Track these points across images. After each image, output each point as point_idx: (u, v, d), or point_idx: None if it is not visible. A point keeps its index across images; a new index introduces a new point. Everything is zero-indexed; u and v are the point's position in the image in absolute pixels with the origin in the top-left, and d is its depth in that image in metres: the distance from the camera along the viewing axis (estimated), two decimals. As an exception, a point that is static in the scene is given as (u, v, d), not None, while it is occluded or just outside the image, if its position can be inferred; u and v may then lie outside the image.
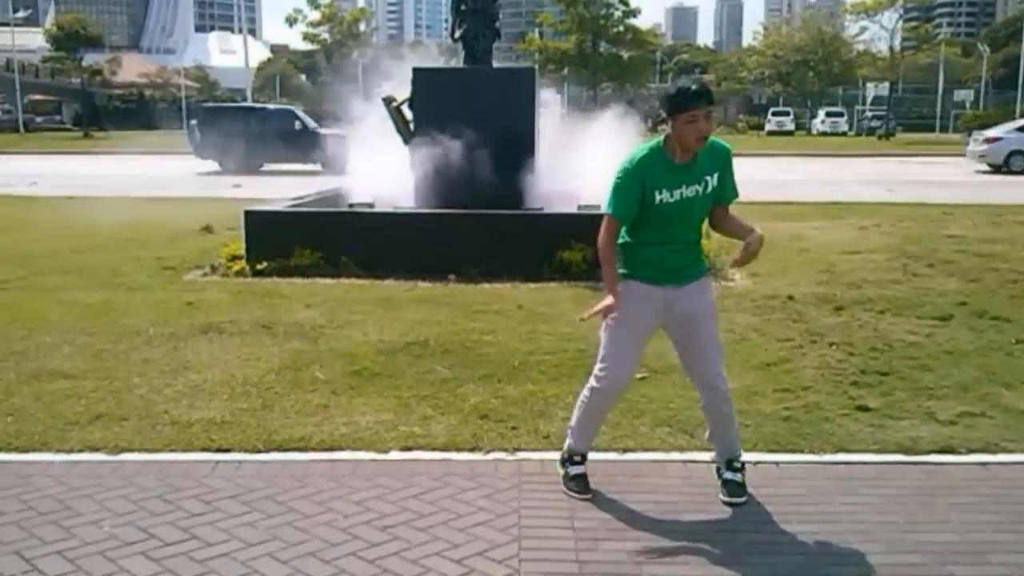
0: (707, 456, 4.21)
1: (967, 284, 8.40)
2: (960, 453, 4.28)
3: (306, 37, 63.83)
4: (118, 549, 3.33)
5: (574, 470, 3.88)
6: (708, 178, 3.65)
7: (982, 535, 3.48)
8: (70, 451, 4.28)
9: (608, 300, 3.62)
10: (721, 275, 8.73)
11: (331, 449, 4.32)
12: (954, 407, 4.88)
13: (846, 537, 3.45)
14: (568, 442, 3.94)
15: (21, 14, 75.08)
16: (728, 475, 3.84)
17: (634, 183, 3.60)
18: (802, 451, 4.30)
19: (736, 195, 3.78)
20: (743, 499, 3.77)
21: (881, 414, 4.79)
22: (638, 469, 4.09)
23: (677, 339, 3.82)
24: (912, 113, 67.18)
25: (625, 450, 4.30)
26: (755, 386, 5.24)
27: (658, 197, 3.61)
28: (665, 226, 3.68)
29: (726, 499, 3.77)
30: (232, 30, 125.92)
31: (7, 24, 63.44)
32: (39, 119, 63.99)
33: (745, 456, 4.20)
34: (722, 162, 3.69)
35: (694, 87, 3.56)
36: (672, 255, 3.70)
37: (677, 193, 3.61)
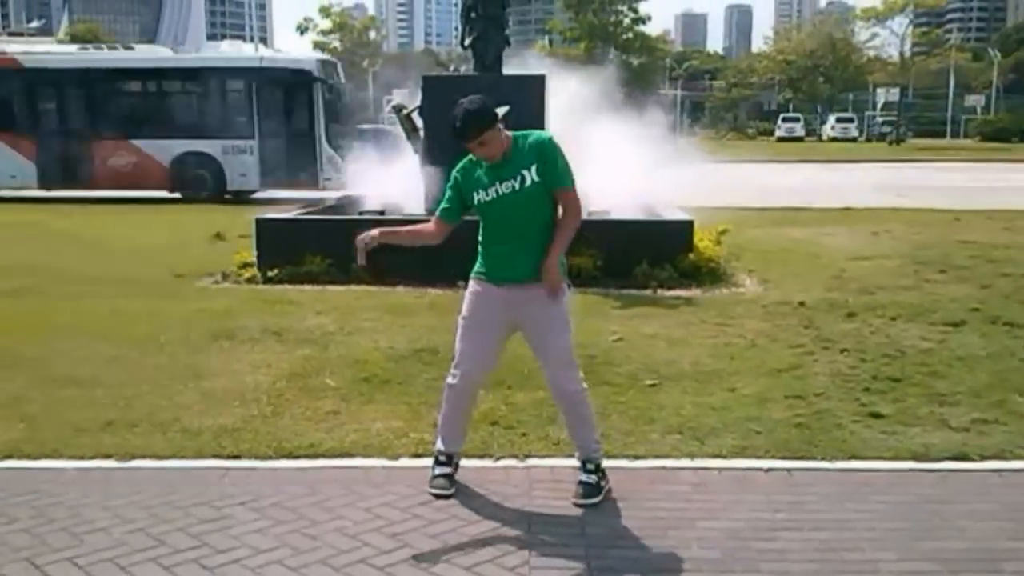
0: (719, 463, 4.21)
1: (979, 290, 8.35)
2: (973, 460, 4.25)
3: (317, 45, 64.13)
4: (129, 556, 3.33)
5: (437, 470, 3.94)
6: (524, 172, 3.69)
7: (996, 543, 3.45)
8: (81, 458, 4.29)
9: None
10: (732, 281, 8.72)
11: (341, 456, 4.32)
12: (967, 414, 4.85)
13: (859, 545, 3.42)
14: (436, 442, 4.03)
15: (35, 23, 75.67)
16: (581, 476, 3.85)
17: (454, 196, 3.85)
18: (814, 458, 4.28)
19: (558, 183, 3.72)
20: (595, 500, 3.76)
21: (893, 421, 4.76)
22: (649, 476, 4.07)
23: (527, 339, 3.88)
24: (923, 119, 67.02)
25: (636, 457, 4.28)
26: (766, 392, 5.22)
27: (477, 198, 3.76)
28: (496, 222, 3.77)
29: (576, 501, 3.76)
30: (244, 38, 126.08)
31: (21, 34, 63.91)
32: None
33: (757, 463, 4.21)
34: (537, 151, 3.71)
35: (456, 124, 3.66)
36: (507, 255, 3.76)
37: (492, 191, 3.72)
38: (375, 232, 3.88)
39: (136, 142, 19.59)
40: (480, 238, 3.88)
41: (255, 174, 19.55)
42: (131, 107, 20.59)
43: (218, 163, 19.44)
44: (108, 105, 20.18)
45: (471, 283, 3.90)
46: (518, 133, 3.77)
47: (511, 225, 3.75)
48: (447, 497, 3.82)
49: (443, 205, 3.92)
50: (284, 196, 17.84)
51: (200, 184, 19.36)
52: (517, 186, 3.69)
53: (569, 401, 3.84)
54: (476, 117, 3.63)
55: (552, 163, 3.72)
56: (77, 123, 19.97)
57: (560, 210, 3.79)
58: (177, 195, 19.55)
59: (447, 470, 3.94)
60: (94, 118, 19.88)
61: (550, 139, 3.76)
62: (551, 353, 3.81)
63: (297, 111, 19.56)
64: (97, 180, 19.58)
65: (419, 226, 4.06)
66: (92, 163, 19.62)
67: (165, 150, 19.47)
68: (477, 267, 3.90)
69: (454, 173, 3.89)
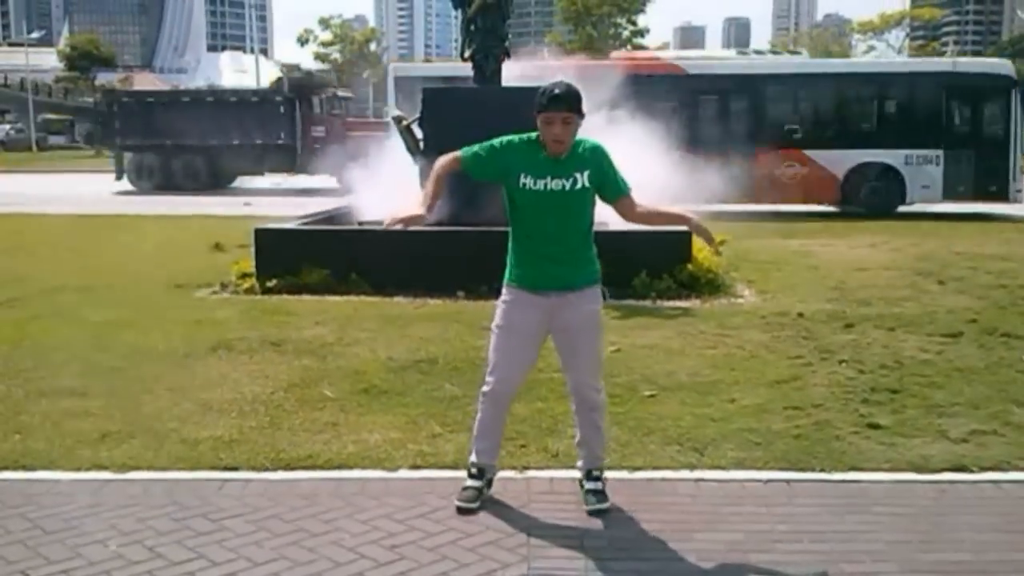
0: (718, 475, 4.20)
1: (977, 301, 8.36)
2: (972, 471, 4.24)
3: (317, 57, 64.32)
4: (124, 568, 3.32)
5: (468, 482, 3.89)
6: (578, 175, 3.68)
7: (995, 554, 3.44)
8: (77, 469, 4.28)
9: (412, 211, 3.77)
10: (731, 292, 8.72)
11: (339, 467, 4.31)
12: (965, 425, 4.84)
13: (858, 556, 3.41)
14: (470, 454, 3.98)
15: (35, 34, 75.86)
16: (589, 484, 3.86)
17: (493, 154, 3.75)
18: (813, 469, 4.27)
19: (624, 189, 3.76)
20: (607, 504, 3.79)
21: (892, 432, 4.75)
22: (648, 488, 4.06)
23: (557, 345, 3.88)
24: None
25: (635, 468, 4.27)
26: (765, 404, 5.21)
27: (522, 180, 3.69)
28: (535, 220, 3.72)
29: (592, 508, 3.77)
30: (244, 49, 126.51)
31: (21, 44, 64.07)
32: (52, 138, 64.38)
33: (756, 474, 4.21)
34: (595, 159, 3.72)
35: (556, 91, 3.63)
36: (550, 260, 3.73)
37: (541, 183, 3.67)
38: (421, 213, 3.80)
39: (808, 152, 18.12)
40: (514, 242, 3.82)
41: (939, 186, 17.89)
42: (800, 115, 18.92)
43: (900, 175, 17.84)
44: (772, 113, 18.75)
45: (504, 291, 3.86)
46: (576, 138, 3.75)
47: (554, 226, 3.71)
48: (471, 512, 3.76)
49: (475, 151, 3.79)
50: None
51: (876, 197, 17.80)
52: (568, 187, 3.67)
53: (597, 406, 3.86)
54: (579, 97, 3.65)
55: (612, 172, 3.75)
56: (738, 132, 18.09)
57: (637, 212, 3.79)
58: (176, 208, 19.46)
59: (477, 483, 3.87)
60: (756, 127, 18.32)
61: (604, 148, 3.78)
62: (588, 358, 3.83)
63: (991, 119, 18.15)
64: (758, 193, 17.56)
65: (439, 168, 3.90)
66: (755, 175, 17.47)
67: (838, 161, 18.04)
68: (510, 274, 3.85)
69: (504, 139, 3.77)
